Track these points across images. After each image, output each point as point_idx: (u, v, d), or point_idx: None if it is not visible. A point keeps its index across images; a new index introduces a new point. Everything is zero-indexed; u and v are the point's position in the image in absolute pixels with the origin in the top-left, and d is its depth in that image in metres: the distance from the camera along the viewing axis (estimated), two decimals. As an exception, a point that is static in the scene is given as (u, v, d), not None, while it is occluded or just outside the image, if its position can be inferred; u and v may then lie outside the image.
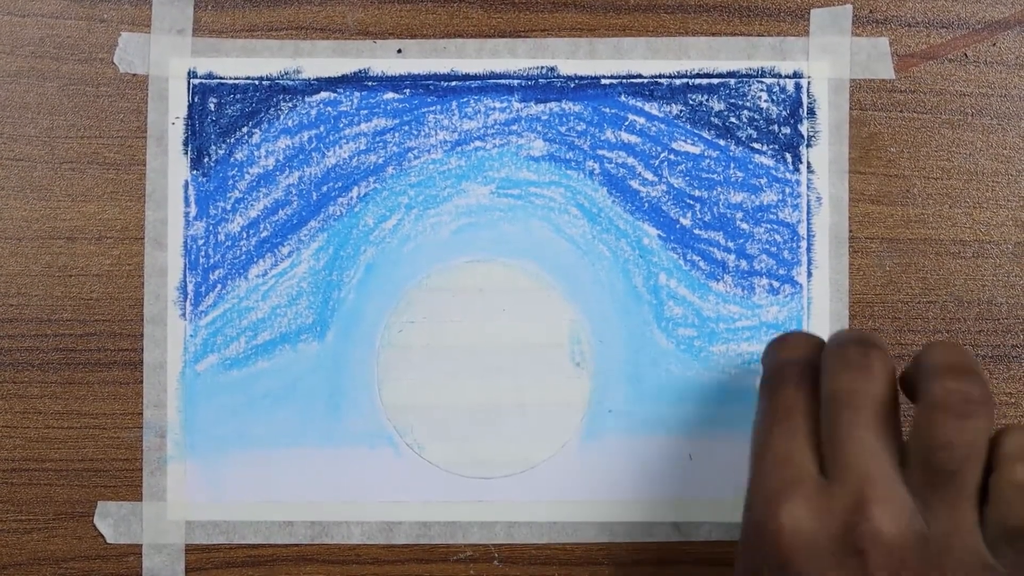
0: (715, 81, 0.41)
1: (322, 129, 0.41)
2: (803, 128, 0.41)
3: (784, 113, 0.41)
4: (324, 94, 0.41)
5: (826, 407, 0.31)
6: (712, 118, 0.41)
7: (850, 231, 0.41)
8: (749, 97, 0.41)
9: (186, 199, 0.41)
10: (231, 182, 0.41)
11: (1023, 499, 0.29)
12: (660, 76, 0.41)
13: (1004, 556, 0.29)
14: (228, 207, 0.41)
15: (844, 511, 0.29)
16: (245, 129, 0.41)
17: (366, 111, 0.41)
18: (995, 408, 0.30)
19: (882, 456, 0.30)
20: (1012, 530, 0.29)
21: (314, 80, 0.41)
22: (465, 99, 0.41)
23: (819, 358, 0.33)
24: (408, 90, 0.41)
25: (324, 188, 0.41)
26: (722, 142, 0.41)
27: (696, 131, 0.41)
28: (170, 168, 0.41)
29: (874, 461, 0.30)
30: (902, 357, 0.41)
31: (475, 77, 0.41)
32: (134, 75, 0.41)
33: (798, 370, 0.32)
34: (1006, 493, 0.29)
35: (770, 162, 0.41)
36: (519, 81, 0.41)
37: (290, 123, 0.41)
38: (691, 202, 0.41)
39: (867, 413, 0.30)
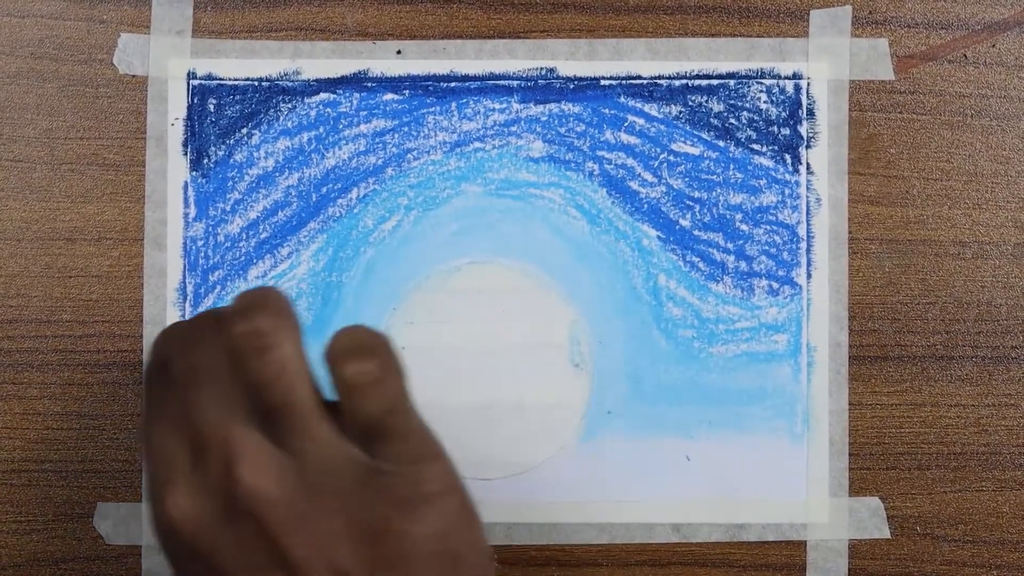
0: (714, 82, 0.41)
1: (321, 130, 0.41)
2: (802, 129, 0.41)
3: (783, 114, 0.41)
4: (323, 95, 0.41)
5: (175, 394, 0.30)
6: (711, 119, 0.41)
7: (849, 232, 0.41)
8: (748, 98, 0.41)
9: (185, 200, 0.41)
10: (230, 183, 0.41)
11: (354, 394, 0.29)
12: (659, 77, 0.41)
13: (378, 452, 0.29)
14: (227, 208, 0.41)
15: (218, 482, 0.29)
16: (244, 130, 0.41)
17: (365, 112, 0.41)
18: (295, 326, 0.29)
19: (232, 419, 0.29)
20: (364, 426, 0.29)
21: (313, 81, 0.41)
22: (464, 100, 0.41)
23: None
24: (407, 91, 0.41)
25: (323, 189, 0.41)
26: (721, 143, 0.41)
27: (695, 132, 0.41)
28: (169, 169, 0.41)
29: (225, 426, 0.29)
30: (902, 359, 0.41)
31: (474, 78, 0.41)
32: (134, 76, 0.41)
33: (158, 363, 0.31)
34: (343, 396, 0.29)
35: (769, 163, 0.41)
36: (518, 82, 0.41)
37: (289, 124, 0.41)
38: (690, 203, 0.41)
39: (207, 384, 0.29)
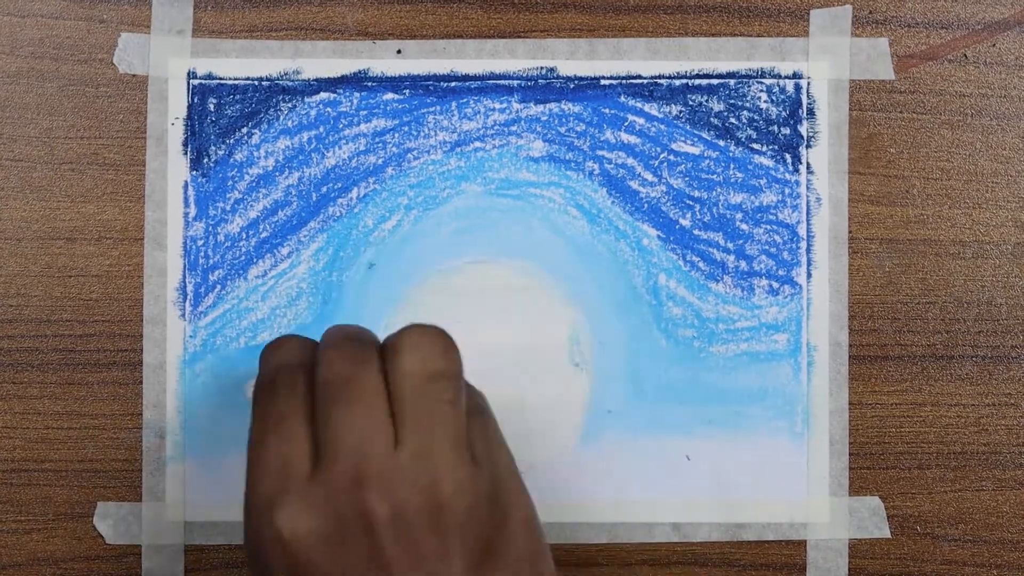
0: (715, 82, 0.41)
1: (322, 130, 0.41)
2: (803, 129, 0.41)
3: (784, 114, 0.41)
4: (324, 95, 0.41)
5: (320, 397, 0.30)
6: (712, 119, 0.41)
7: (850, 232, 0.41)
8: (749, 98, 0.41)
9: (186, 200, 0.41)
10: (231, 183, 0.41)
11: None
12: (660, 77, 0.41)
13: None
14: (228, 208, 0.41)
15: (342, 492, 0.29)
16: (245, 130, 0.41)
17: (366, 112, 0.41)
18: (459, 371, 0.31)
19: (376, 433, 0.29)
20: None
21: (314, 81, 0.41)
22: (465, 100, 0.41)
23: (313, 360, 0.32)
24: (408, 91, 0.41)
25: (324, 189, 0.41)
26: (722, 143, 0.41)
27: (696, 132, 0.41)
28: (170, 169, 0.41)
29: (366, 439, 0.29)
30: (902, 358, 0.41)
31: (475, 78, 0.41)
32: (134, 76, 0.41)
33: (290, 374, 0.31)
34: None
35: (770, 163, 0.41)
36: (519, 82, 0.41)
37: (290, 124, 0.41)
38: (691, 203, 0.41)
39: (362, 401, 0.30)
